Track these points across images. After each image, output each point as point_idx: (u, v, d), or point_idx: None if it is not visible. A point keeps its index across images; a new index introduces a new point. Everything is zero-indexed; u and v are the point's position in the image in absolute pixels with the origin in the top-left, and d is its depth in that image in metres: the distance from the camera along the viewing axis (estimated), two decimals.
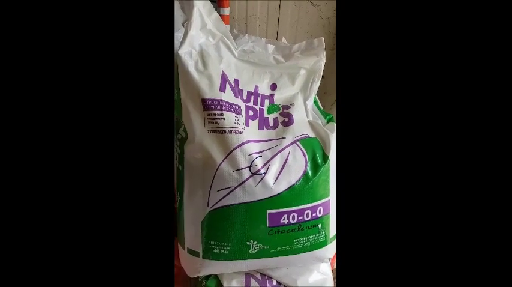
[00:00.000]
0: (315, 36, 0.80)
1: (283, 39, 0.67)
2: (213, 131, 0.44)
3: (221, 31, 0.49)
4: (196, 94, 0.44)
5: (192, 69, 0.45)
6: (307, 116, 0.55)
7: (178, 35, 0.50)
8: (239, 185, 0.44)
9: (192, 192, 0.46)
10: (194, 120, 0.44)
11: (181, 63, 0.45)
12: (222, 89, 0.46)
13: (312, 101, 0.57)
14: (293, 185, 0.46)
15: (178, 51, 0.44)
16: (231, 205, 0.44)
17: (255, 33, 0.77)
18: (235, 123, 0.44)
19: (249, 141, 0.45)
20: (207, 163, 0.44)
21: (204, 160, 0.44)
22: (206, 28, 0.47)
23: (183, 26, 0.58)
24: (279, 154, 0.47)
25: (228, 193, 0.44)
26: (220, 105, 0.44)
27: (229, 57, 0.50)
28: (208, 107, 0.44)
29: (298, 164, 0.47)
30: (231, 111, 0.45)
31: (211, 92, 0.44)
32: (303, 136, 0.50)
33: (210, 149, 0.44)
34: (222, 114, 0.44)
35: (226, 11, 0.62)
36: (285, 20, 0.77)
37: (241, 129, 0.45)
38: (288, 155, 0.47)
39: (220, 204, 0.44)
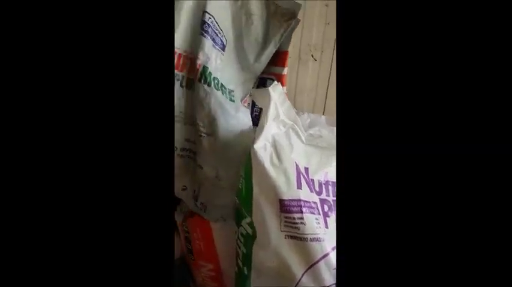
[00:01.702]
0: None
1: None
2: (292, 237, 0.38)
3: (291, 119, 0.45)
4: (273, 193, 0.39)
5: (267, 164, 0.40)
6: None
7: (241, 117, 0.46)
8: None
9: None
10: (268, 222, 0.39)
11: (257, 159, 0.40)
12: (299, 185, 0.41)
13: None
14: None
15: (254, 146, 0.40)
16: None
17: (303, 103, 0.75)
18: (316, 227, 0.39)
19: (333, 249, 0.38)
20: (284, 275, 0.37)
21: (281, 270, 0.38)
22: (279, 118, 0.43)
23: (241, 101, 0.54)
24: None
25: None
26: (300, 206, 0.39)
27: (299, 144, 0.46)
28: (287, 209, 0.39)
29: None
30: (310, 212, 0.39)
31: (289, 191, 0.39)
32: None
33: (288, 259, 0.37)
34: (302, 218, 0.38)
35: (284, 70, 0.56)
36: (333, 90, 0.75)
37: (323, 236, 0.39)
38: None
39: None
